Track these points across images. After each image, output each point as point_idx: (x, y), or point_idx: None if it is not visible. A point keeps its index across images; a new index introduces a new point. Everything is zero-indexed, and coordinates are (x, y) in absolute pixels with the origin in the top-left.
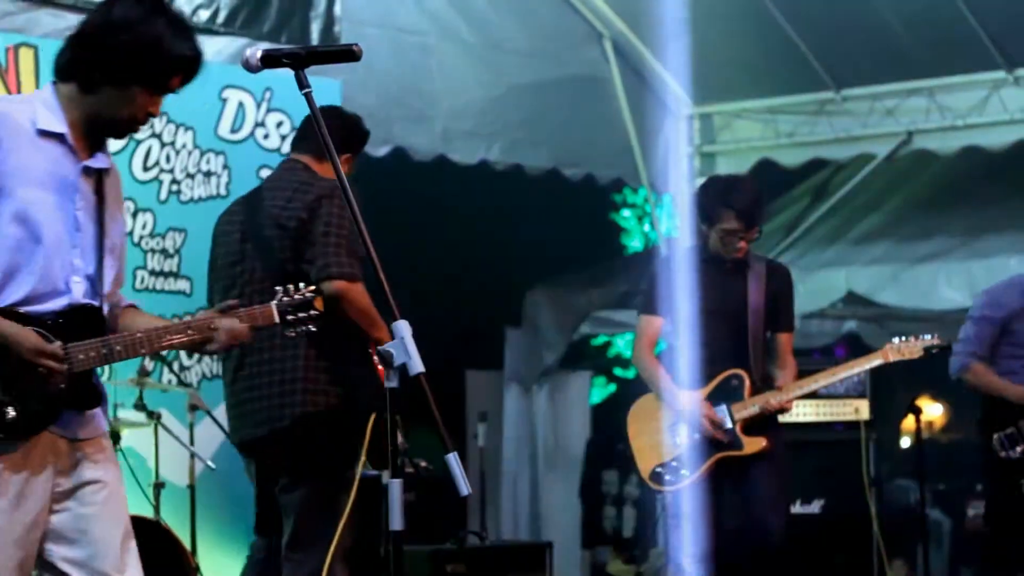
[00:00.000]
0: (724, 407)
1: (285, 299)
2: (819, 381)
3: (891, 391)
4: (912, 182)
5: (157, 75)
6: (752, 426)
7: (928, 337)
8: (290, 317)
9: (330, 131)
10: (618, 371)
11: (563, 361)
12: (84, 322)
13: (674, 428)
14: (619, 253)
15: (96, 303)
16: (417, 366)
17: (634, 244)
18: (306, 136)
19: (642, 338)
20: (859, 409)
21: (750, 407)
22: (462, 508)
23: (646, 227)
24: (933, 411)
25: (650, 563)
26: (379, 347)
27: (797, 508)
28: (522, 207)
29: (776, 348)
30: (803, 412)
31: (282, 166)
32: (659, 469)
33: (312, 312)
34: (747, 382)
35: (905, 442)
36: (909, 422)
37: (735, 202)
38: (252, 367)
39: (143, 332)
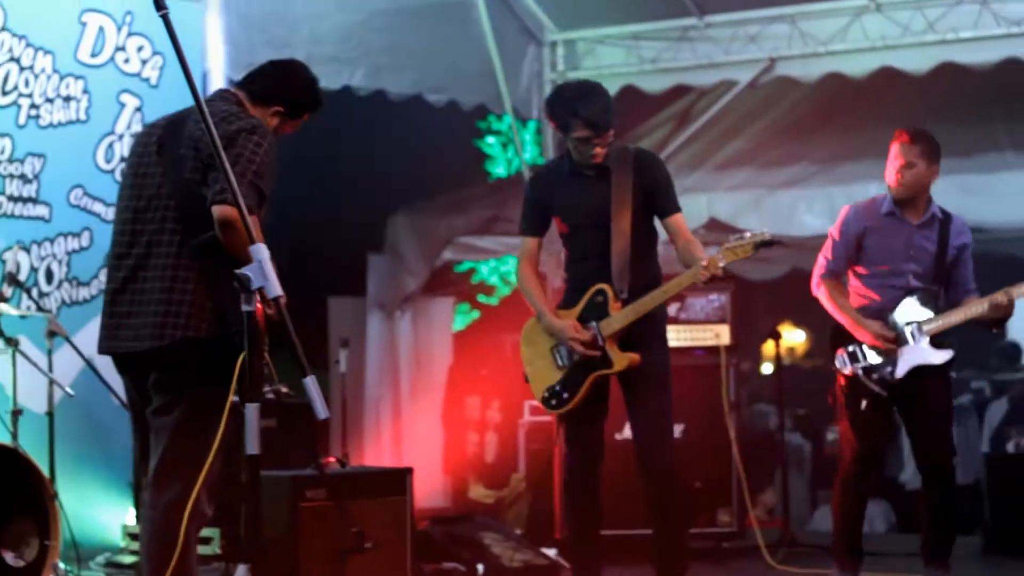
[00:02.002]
0: (594, 325)
1: None
2: (656, 299)
3: (753, 317)
4: (774, 108)
5: None
6: (634, 341)
7: (765, 231)
8: None
9: (267, 80)
10: (482, 298)
11: (426, 287)
12: None
13: (557, 350)
14: (483, 179)
15: None
16: (275, 289)
17: (498, 171)
18: (253, 76)
19: (522, 259)
20: (719, 334)
21: (615, 322)
22: (324, 434)
23: (511, 154)
24: (795, 337)
25: (511, 488)
26: (236, 270)
27: None
28: (385, 133)
29: (672, 232)
30: None
31: (218, 93)
32: (547, 394)
33: None
34: (611, 296)
35: (767, 368)
36: (770, 348)
37: (582, 110)
38: (143, 281)
39: None
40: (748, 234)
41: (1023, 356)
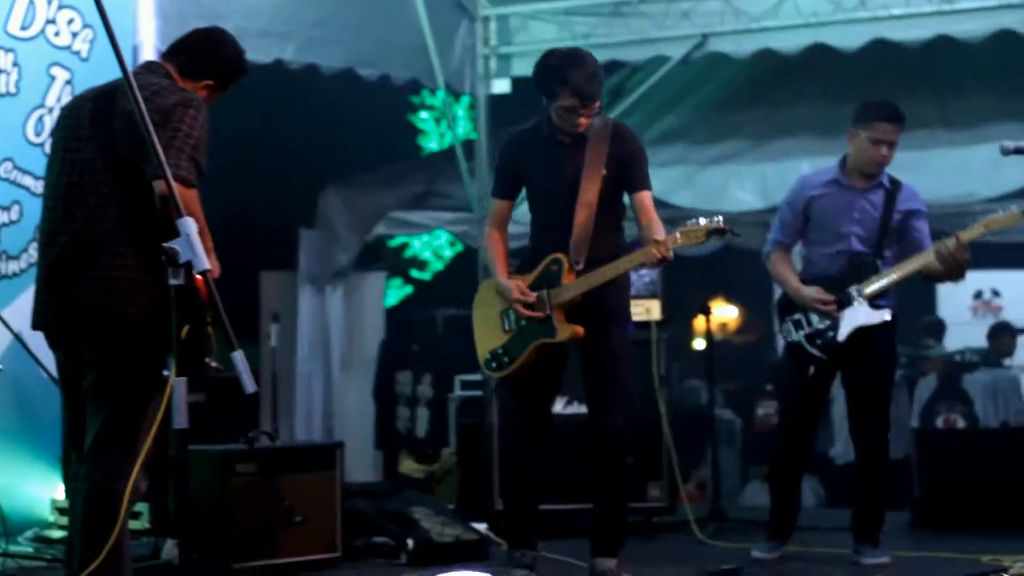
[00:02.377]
0: (544, 293)
1: None
2: (606, 274)
3: (685, 292)
4: (706, 85)
5: None
6: (596, 316)
7: (717, 219)
8: None
9: (197, 53)
10: (415, 272)
11: (357, 262)
12: None
13: (506, 315)
14: (416, 154)
15: None
16: (202, 263)
17: (431, 145)
18: (180, 47)
19: (490, 221)
20: (650, 309)
21: (565, 292)
22: (255, 409)
23: (444, 129)
24: (727, 313)
25: (442, 463)
26: (164, 244)
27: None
28: (318, 107)
29: (637, 209)
30: None
31: (145, 66)
32: (488, 356)
33: None
34: (566, 266)
35: (699, 343)
36: (701, 323)
37: (571, 79)
38: (79, 257)
39: None
40: (703, 220)
41: (946, 332)
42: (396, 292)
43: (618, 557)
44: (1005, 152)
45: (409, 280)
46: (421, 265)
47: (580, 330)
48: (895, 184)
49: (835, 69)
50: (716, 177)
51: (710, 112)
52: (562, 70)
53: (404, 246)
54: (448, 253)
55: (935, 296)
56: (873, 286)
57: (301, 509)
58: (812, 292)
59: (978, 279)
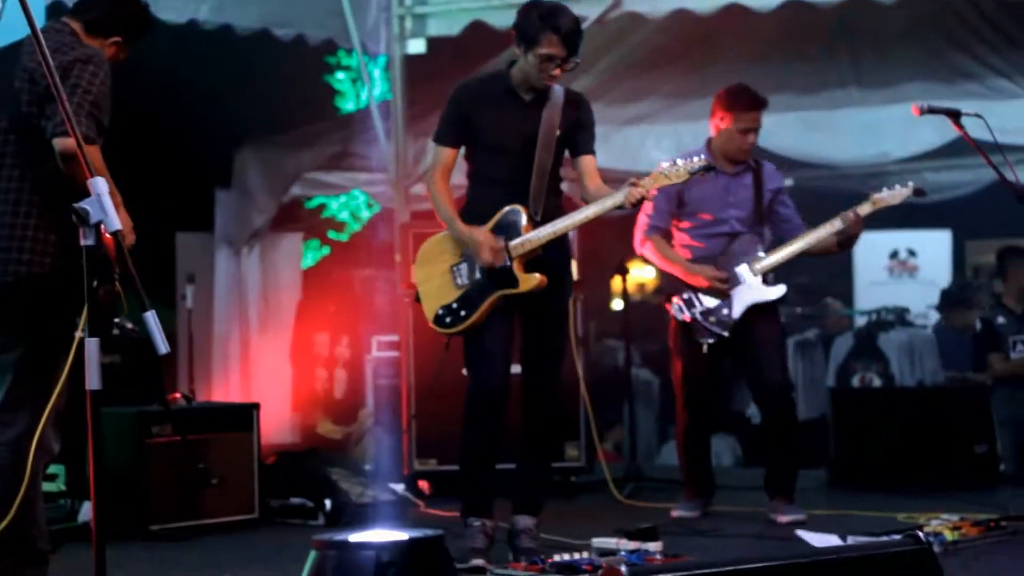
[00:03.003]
0: (503, 243)
1: None
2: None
3: (602, 252)
4: (622, 45)
5: None
6: (544, 272)
7: (697, 159)
8: None
9: (102, 10)
10: (332, 234)
11: (274, 223)
12: None
13: (457, 269)
14: (333, 115)
15: None
16: (114, 223)
17: (348, 106)
18: (85, 5)
19: (436, 169)
20: None
21: (528, 242)
22: (171, 371)
23: (360, 90)
24: (645, 274)
25: (359, 424)
26: (74, 204)
27: None
28: (232, 68)
29: (582, 170)
30: None
31: (51, 26)
32: (441, 312)
33: None
34: (524, 217)
35: (618, 304)
36: (618, 283)
37: (561, 25)
38: None
39: None
40: (682, 161)
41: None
42: (313, 253)
43: (538, 516)
44: (919, 112)
45: (326, 241)
46: (339, 226)
47: (544, 279)
48: (758, 163)
49: (751, 30)
50: (632, 137)
51: (626, 72)
52: (552, 17)
53: (321, 207)
54: (366, 214)
55: (852, 256)
56: (765, 263)
57: (218, 471)
58: (708, 271)
59: (894, 239)
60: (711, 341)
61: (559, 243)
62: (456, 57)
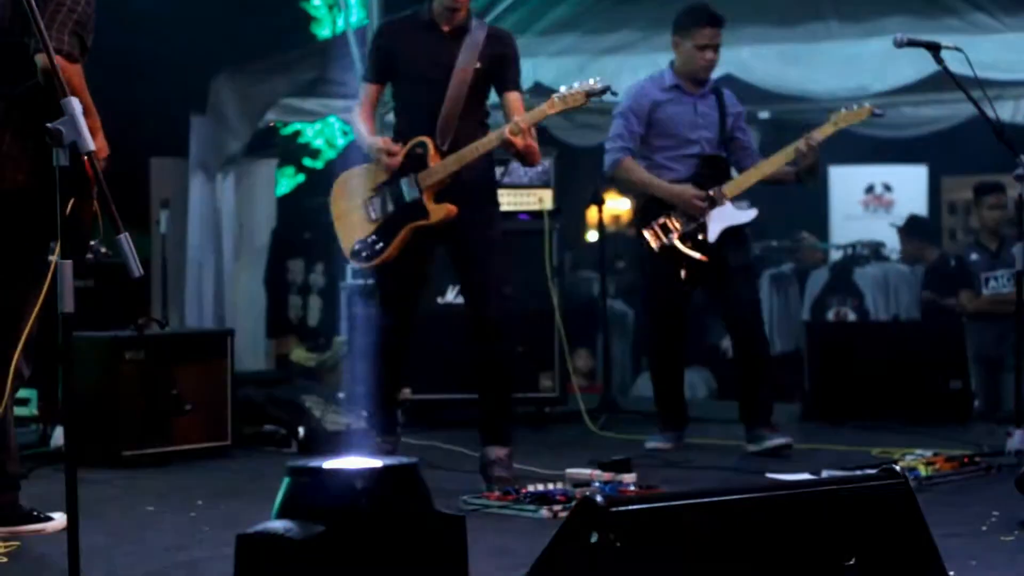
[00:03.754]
0: (412, 176)
1: None
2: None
3: (578, 182)
4: None
5: None
6: (463, 202)
7: (594, 80)
8: None
9: None
10: (307, 161)
11: (249, 149)
12: None
13: (370, 203)
14: (310, 41)
15: None
16: (87, 144)
17: (324, 32)
18: None
19: (360, 104)
20: (543, 199)
21: (434, 173)
22: (145, 296)
23: (337, 15)
24: (620, 205)
25: (333, 351)
26: (48, 124)
27: None
28: None
29: (506, 107)
30: None
31: None
32: (357, 246)
33: None
34: (431, 149)
35: (593, 236)
36: (594, 214)
37: None
38: None
39: None
40: (578, 84)
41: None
42: (288, 180)
43: (509, 446)
44: (898, 44)
45: (301, 168)
46: (313, 153)
47: (453, 208)
48: (718, 88)
49: None
50: (609, 66)
51: (603, 2)
52: None
53: (296, 134)
54: (341, 142)
55: (827, 190)
56: (733, 186)
57: (191, 397)
58: (691, 190)
59: (870, 173)
60: (689, 266)
61: (476, 173)
62: None
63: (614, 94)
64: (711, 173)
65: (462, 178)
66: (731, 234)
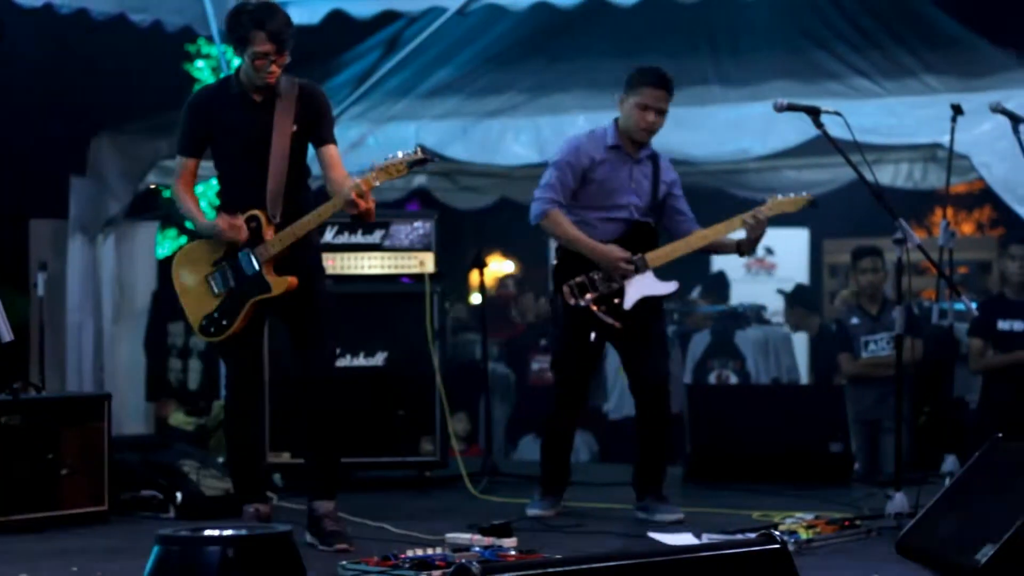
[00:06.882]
0: (248, 251)
1: None
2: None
3: (460, 246)
4: (483, 36)
5: None
6: (294, 271)
7: (415, 150)
8: None
9: None
10: (189, 224)
11: (130, 211)
12: None
13: (212, 278)
14: None
15: None
16: None
17: None
18: None
19: (178, 176)
20: (424, 262)
21: (272, 246)
22: (23, 360)
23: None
24: (504, 267)
25: (213, 416)
26: None
27: (361, 361)
28: (89, 53)
29: (324, 161)
30: (368, 264)
31: None
32: (204, 322)
33: None
34: (263, 221)
35: (476, 298)
36: (476, 277)
37: (267, 23)
38: None
39: None
40: (401, 153)
41: (730, 287)
42: (170, 243)
43: (336, 500)
44: (778, 109)
45: (183, 231)
46: None
47: (294, 281)
48: (655, 155)
49: (613, 25)
50: (492, 130)
51: (487, 65)
52: (259, 14)
53: None
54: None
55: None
56: (661, 256)
57: (68, 461)
58: (618, 251)
59: None
60: (600, 330)
61: (304, 242)
62: (316, 47)
63: (435, 159)
64: (638, 239)
65: (295, 248)
66: (648, 303)
